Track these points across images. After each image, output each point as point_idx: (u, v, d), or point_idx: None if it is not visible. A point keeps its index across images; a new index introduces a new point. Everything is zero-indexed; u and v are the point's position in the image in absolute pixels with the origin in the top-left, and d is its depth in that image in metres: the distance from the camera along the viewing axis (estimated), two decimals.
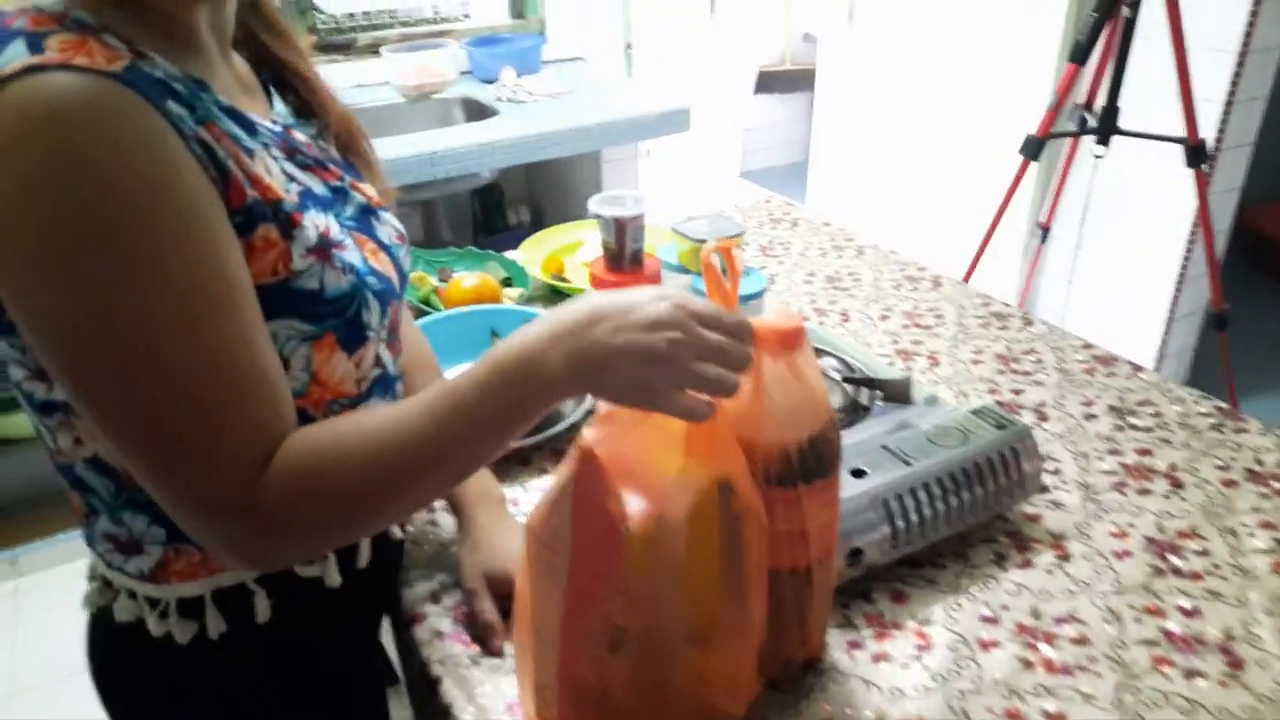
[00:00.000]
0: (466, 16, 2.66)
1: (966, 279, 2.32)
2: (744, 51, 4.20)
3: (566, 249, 1.50)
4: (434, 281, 1.41)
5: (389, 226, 0.79)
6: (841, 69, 3.21)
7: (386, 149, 1.93)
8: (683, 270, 1.27)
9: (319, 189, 0.70)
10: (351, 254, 0.68)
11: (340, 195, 0.74)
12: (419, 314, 1.32)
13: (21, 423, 1.94)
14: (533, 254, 1.47)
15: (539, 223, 2.62)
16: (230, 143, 0.61)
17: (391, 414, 0.60)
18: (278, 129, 0.71)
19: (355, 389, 0.70)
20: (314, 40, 2.36)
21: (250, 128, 0.66)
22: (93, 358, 0.53)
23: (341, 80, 2.37)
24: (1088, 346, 1.20)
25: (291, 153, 0.70)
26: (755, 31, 4.24)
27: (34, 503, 1.97)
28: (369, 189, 0.80)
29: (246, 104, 0.69)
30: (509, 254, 1.48)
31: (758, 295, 1.22)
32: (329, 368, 0.67)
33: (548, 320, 0.59)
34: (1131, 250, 2.45)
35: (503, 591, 0.77)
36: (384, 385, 0.74)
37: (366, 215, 0.76)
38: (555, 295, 1.38)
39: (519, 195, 2.64)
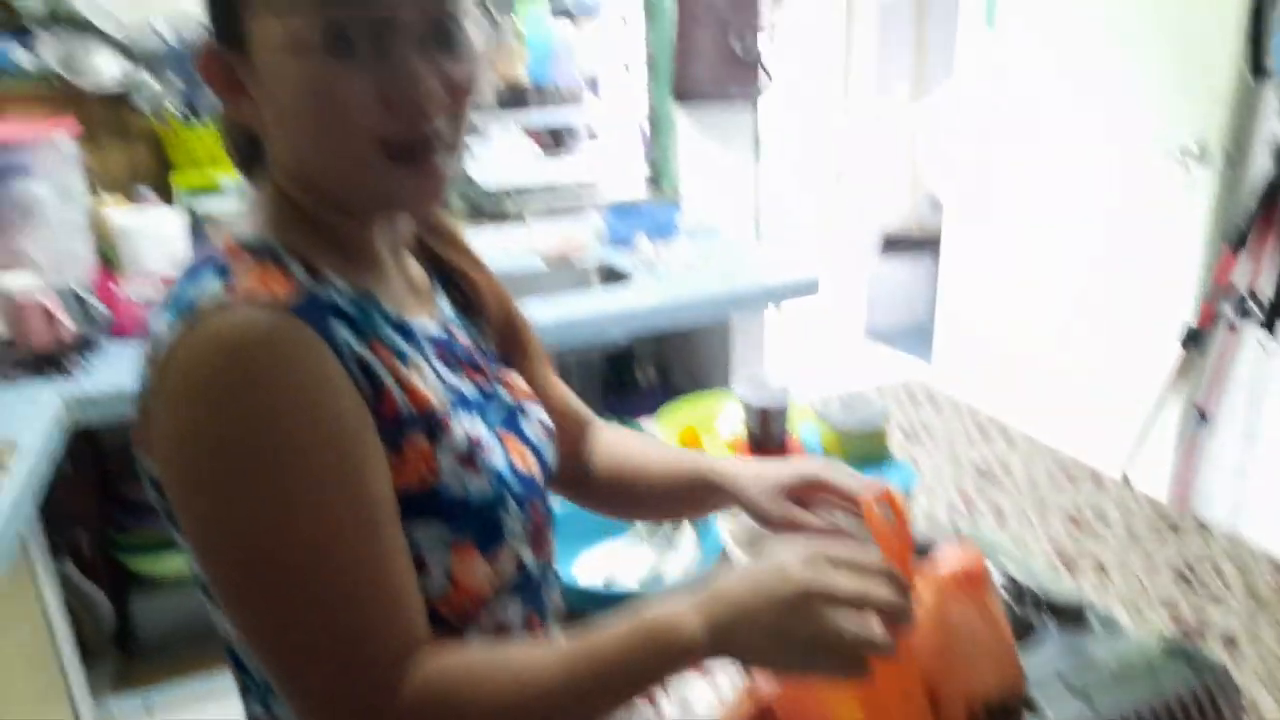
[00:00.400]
0: (606, 187, 2.80)
1: (1124, 474, 2.20)
2: (869, 214, 4.26)
3: (703, 422, 1.50)
4: None
5: (536, 423, 0.80)
6: (970, 237, 3.20)
7: (531, 311, 2.00)
8: (825, 457, 1.24)
9: (470, 391, 0.73)
10: (496, 457, 0.70)
11: (489, 396, 0.76)
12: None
13: (167, 564, 2.01)
14: (668, 426, 1.47)
15: (667, 383, 2.65)
16: (390, 355, 0.65)
17: (529, 658, 0.60)
18: (437, 332, 0.74)
19: (492, 592, 0.70)
20: (465, 209, 2.51)
21: (411, 336, 0.69)
22: (239, 571, 0.57)
23: (488, 245, 2.51)
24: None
25: (447, 356, 0.73)
26: (881, 195, 4.31)
27: (172, 645, 2.02)
28: (519, 382, 0.82)
29: (413, 307, 0.73)
30: (641, 420, 1.49)
31: (907, 490, 1.17)
32: (467, 571, 0.67)
33: (697, 587, 0.60)
34: None
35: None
36: (524, 589, 0.73)
37: (514, 414, 0.78)
38: None
39: (649, 355, 2.68)
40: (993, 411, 1.54)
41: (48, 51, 2.06)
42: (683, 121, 2.68)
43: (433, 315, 0.76)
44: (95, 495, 2.02)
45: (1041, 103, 2.77)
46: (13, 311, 1.71)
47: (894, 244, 4.38)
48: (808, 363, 4.17)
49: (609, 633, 0.60)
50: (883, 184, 4.27)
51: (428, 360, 0.69)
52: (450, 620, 0.67)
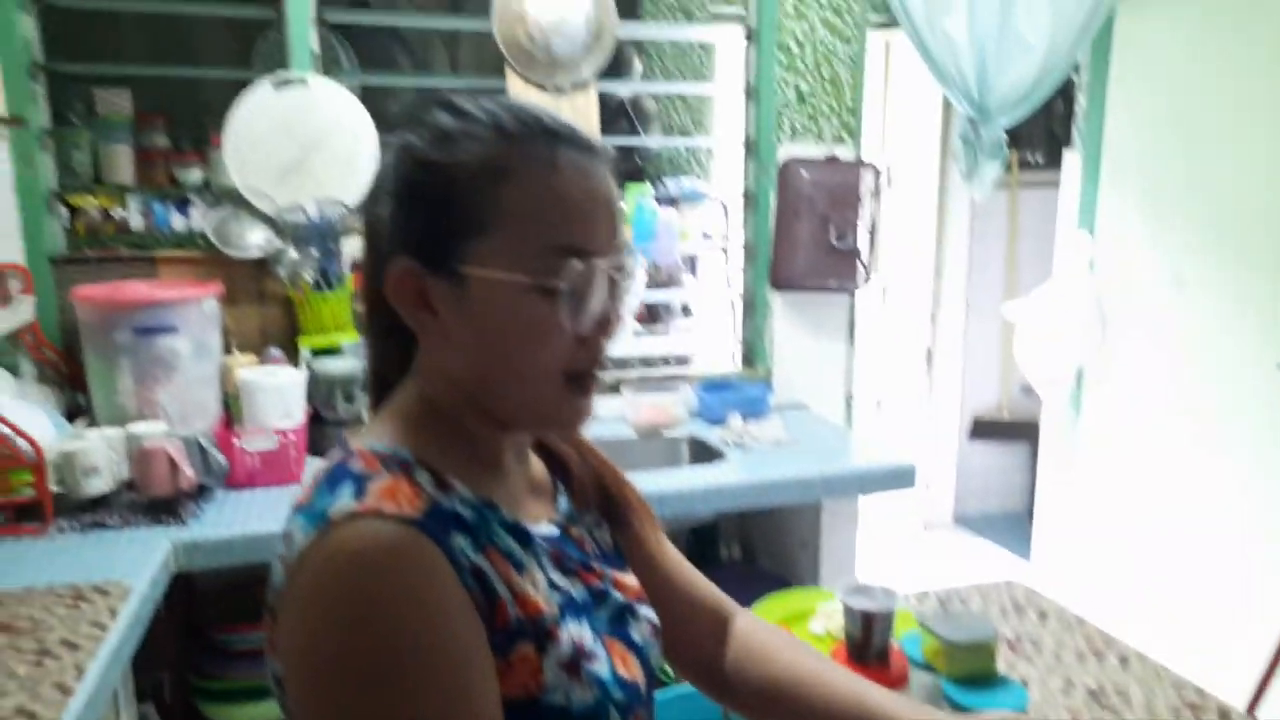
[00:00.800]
0: (689, 361, 2.88)
1: (1251, 708, 2.05)
2: (959, 397, 4.23)
3: (796, 617, 1.46)
4: None
5: (644, 623, 0.81)
6: (1069, 431, 3.14)
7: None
8: (928, 669, 1.20)
9: (580, 594, 0.75)
10: (600, 666, 0.71)
11: (599, 598, 0.77)
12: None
13: (243, 713, 2.01)
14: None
15: (750, 560, 2.61)
16: (504, 562, 0.68)
17: None
18: (552, 534, 0.77)
19: None
20: None
21: (527, 540, 0.72)
22: None
23: None
24: None
25: (561, 558, 0.75)
26: (971, 377, 4.28)
27: None
28: (631, 581, 0.83)
29: (532, 508, 0.77)
30: None
31: (1018, 708, 1.12)
32: None
33: None
34: None
35: None
36: None
37: (623, 615, 0.79)
38: None
39: (733, 531, 2.66)
40: (1101, 624, 1.47)
41: (203, 220, 2.27)
42: (778, 304, 2.75)
43: (552, 515, 0.80)
44: (182, 639, 2.05)
45: (1144, 305, 2.77)
46: (140, 458, 1.81)
47: (984, 429, 4.31)
48: (894, 550, 4.05)
49: None
50: (973, 367, 4.25)
51: (540, 565, 0.72)
52: None
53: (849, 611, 1.16)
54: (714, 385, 2.63)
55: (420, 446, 0.71)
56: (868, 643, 1.15)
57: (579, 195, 0.69)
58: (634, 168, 3.64)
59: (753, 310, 2.79)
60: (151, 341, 1.98)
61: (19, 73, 2.10)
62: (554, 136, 0.69)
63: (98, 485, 1.80)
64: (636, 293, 0.75)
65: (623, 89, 3.12)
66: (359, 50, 2.89)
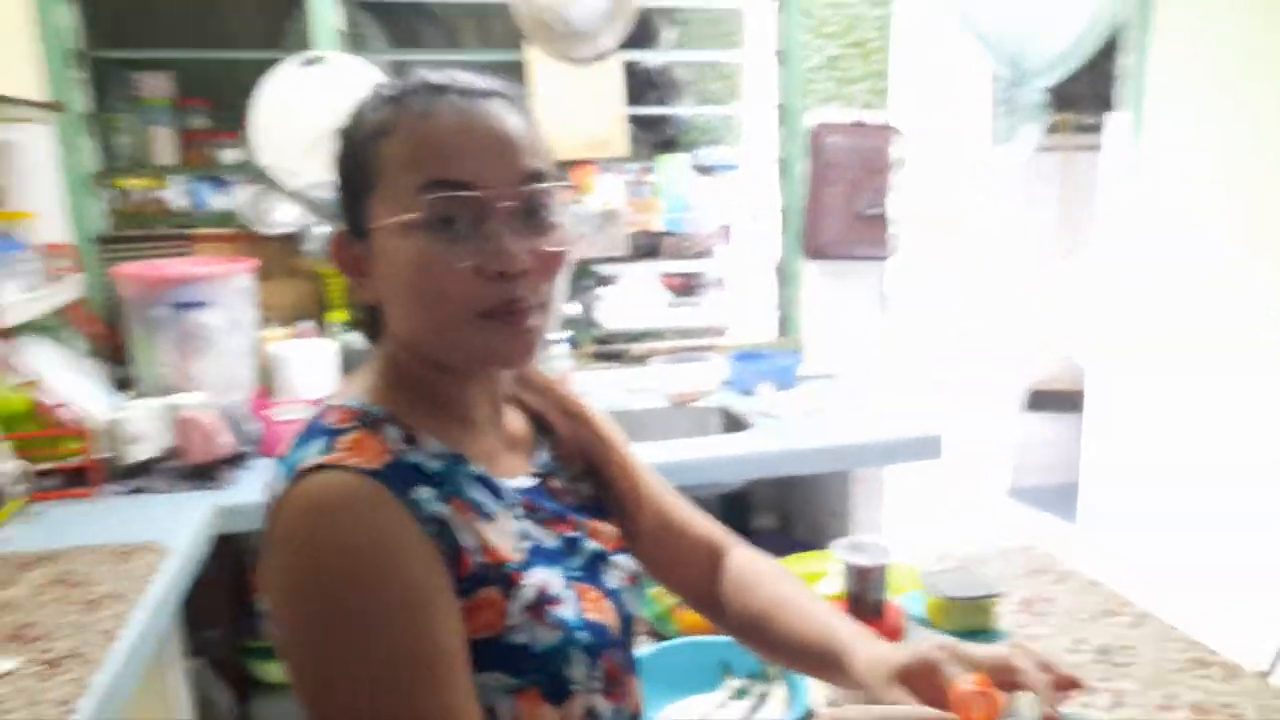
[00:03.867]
0: (723, 332, 2.87)
1: (1271, 671, 2.00)
2: (1012, 368, 4.15)
3: (810, 578, 1.47)
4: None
5: (620, 570, 0.83)
6: (1116, 397, 3.07)
7: (646, 454, 2.04)
8: (927, 624, 1.21)
9: (551, 543, 0.77)
10: (566, 609, 0.73)
11: (572, 546, 0.79)
12: (655, 636, 1.33)
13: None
14: None
15: (785, 530, 2.61)
16: (470, 512, 0.71)
17: None
18: (527, 486, 0.79)
19: None
20: (592, 350, 2.62)
21: (497, 492, 0.75)
22: (315, 709, 0.63)
23: (611, 385, 2.59)
24: None
25: (534, 508, 0.78)
26: (1026, 349, 4.20)
27: None
28: (607, 530, 0.85)
29: (506, 461, 0.80)
30: None
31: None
32: (535, 718, 0.70)
33: None
34: None
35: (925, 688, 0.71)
36: None
37: (597, 563, 0.81)
38: None
39: (766, 501, 2.66)
40: (1129, 588, 1.45)
41: (238, 198, 2.34)
42: (810, 273, 2.74)
43: (529, 467, 0.82)
44: (230, 599, 2.14)
45: (1192, 262, 2.69)
46: (180, 427, 1.89)
47: (1041, 399, 4.23)
48: (939, 519, 4.00)
49: None
50: (1027, 338, 4.17)
51: (511, 514, 0.75)
52: None
53: (845, 565, 1.17)
54: (745, 355, 2.63)
55: (390, 402, 0.74)
56: (863, 598, 1.16)
57: (452, 133, 0.70)
58: (668, 138, 3.63)
59: (785, 279, 2.78)
60: (188, 316, 2.06)
61: (60, 60, 2.18)
62: (436, 90, 0.71)
63: (142, 452, 1.88)
64: (558, 224, 0.73)
65: (646, 57, 3.09)
66: (389, 27, 2.93)
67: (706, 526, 0.98)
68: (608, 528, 0.85)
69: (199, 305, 2.09)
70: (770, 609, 0.89)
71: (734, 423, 2.39)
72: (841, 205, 2.67)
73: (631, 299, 2.87)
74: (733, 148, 3.37)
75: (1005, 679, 0.70)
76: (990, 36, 2.55)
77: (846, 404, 2.44)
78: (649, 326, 2.81)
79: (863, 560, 1.15)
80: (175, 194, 3.02)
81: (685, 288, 3.60)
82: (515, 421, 0.86)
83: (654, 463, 1.94)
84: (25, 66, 1.81)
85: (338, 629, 0.63)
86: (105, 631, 1.26)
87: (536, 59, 2.41)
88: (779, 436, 2.16)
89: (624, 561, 0.84)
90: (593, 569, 0.81)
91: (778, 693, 1.11)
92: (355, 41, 2.44)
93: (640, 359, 2.61)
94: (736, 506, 2.59)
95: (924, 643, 0.75)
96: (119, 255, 2.23)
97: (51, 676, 1.14)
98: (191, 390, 2.03)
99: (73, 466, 1.81)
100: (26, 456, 1.75)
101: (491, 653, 0.69)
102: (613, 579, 0.81)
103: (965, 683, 0.65)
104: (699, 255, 3.41)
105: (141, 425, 1.88)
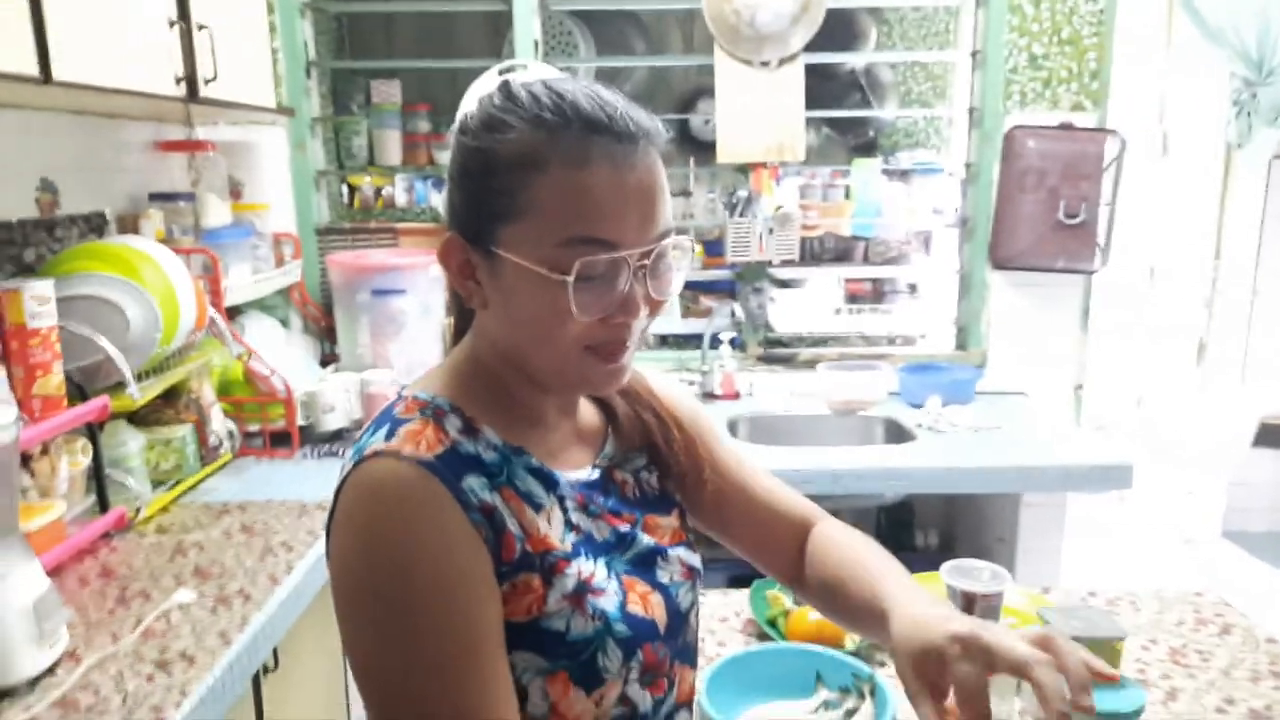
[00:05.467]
0: (914, 341, 2.76)
1: None
2: (1238, 397, 3.71)
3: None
4: (787, 604, 1.41)
5: (677, 565, 0.84)
6: None
7: (799, 459, 2.03)
8: None
9: (602, 535, 0.79)
10: (608, 600, 0.75)
11: (624, 541, 0.81)
12: (761, 636, 1.33)
13: None
14: None
15: (946, 550, 2.50)
16: (520, 501, 0.74)
17: None
18: (587, 479, 0.82)
19: None
20: (759, 353, 2.62)
21: (552, 484, 0.78)
22: (365, 681, 0.69)
23: (775, 388, 2.58)
24: None
25: (589, 502, 0.80)
26: (1259, 378, 3.74)
27: None
28: (665, 524, 0.86)
29: (571, 456, 0.82)
30: None
31: (1131, 716, 1.03)
32: (566, 702, 0.73)
33: None
34: None
35: (936, 675, 0.69)
36: None
37: (651, 557, 0.82)
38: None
39: (931, 519, 2.56)
40: None
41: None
42: (1000, 285, 2.59)
43: (594, 460, 0.85)
44: None
45: None
46: (368, 401, 2.09)
47: (1272, 434, 3.76)
48: (1127, 556, 3.65)
49: None
50: (1261, 363, 3.71)
51: (562, 507, 0.78)
52: None
53: (950, 590, 1.12)
54: (917, 367, 2.54)
55: (460, 396, 0.78)
56: None
57: (606, 188, 0.70)
58: (867, 141, 3.55)
59: (968, 290, 2.65)
60: (385, 302, 2.27)
61: (296, 69, 2.47)
62: (590, 127, 0.70)
63: (335, 421, 2.10)
64: (681, 273, 0.77)
65: (836, 58, 3.02)
66: (596, 34, 3.06)
67: (794, 502, 0.97)
68: (667, 521, 0.87)
69: (396, 292, 2.29)
70: (841, 573, 0.87)
71: (897, 434, 2.31)
72: (1038, 213, 2.51)
73: (808, 303, 2.84)
74: (938, 152, 3.24)
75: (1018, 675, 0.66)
76: (1226, 30, 2.30)
77: (1027, 424, 2.30)
78: (820, 331, 2.77)
79: (968, 585, 1.10)
80: (399, 191, 3.33)
81: (875, 294, 3.51)
82: (588, 413, 0.88)
83: (809, 469, 1.96)
84: (264, 75, 2.07)
85: (381, 610, 0.68)
86: (271, 576, 1.43)
87: (722, 61, 2.44)
88: (941, 451, 2.07)
89: (682, 555, 0.86)
90: (646, 564, 0.82)
91: (865, 710, 1.09)
92: (564, 49, 2.56)
93: (809, 364, 2.58)
94: (897, 521, 2.51)
95: (950, 625, 0.70)
96: (336, 245, 2.49)
97: (220, 611, 1.32)
98: (384, 368, 2.24)
99: (277, 430, 2.05)
100: (238, 418, 2.01)
101: (526, 634, 0.72)
102: (665, 574, 0.83)
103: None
104: (891, 261, 3.31)
105: (337, 397, 2.10)
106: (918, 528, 2.53)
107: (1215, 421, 3.73)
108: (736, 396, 2.55)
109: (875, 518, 2.53)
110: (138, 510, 1.63)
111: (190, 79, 1.69)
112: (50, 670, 1.15)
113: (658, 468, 0.90)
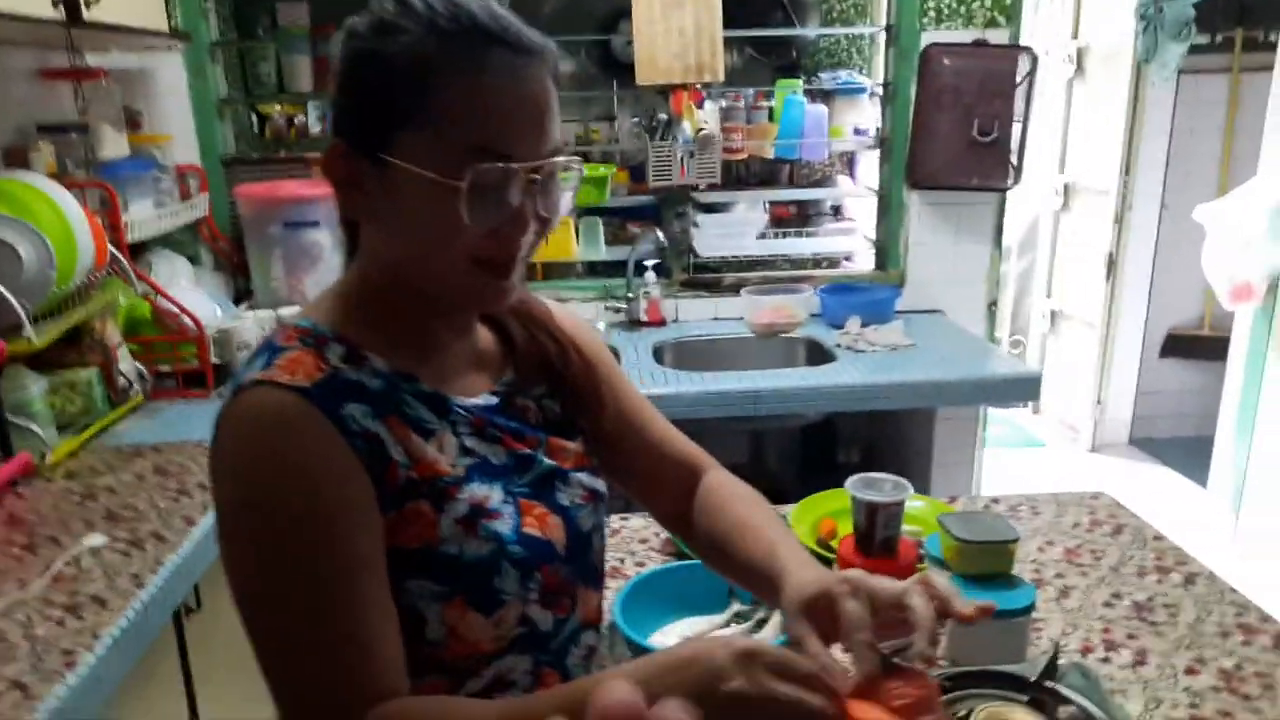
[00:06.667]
0: (839, 263, 2.80)
1: None
2: (1144, 311, 3.86)
3: (842, 514, 1.46)
4: None
5: (578, 487, 0.85)
6: (1258, 347, 2.82)
7: (723, 383, 2.06)
8: (944, 565, 1.19)
9: (499, 459, 0.79)
10: (503, 523, 0.76)
11: (523, 463, 0.81)
12: (680, 555, 1.36)
13: None
14: (808, 515, 1.46)
15: (870, 466, 2.57)
16: (406, 428, 0.74)
17: (472, 708, 0.68)
18: (484, 404, 0.81)
19: (494, 647, 0.75)
20: (682, 279, 2.63)
21: (444, 409, 0.77)
22: (243, 607, 0.69)
23: (700, 313, 2.60)
24: None
25: (485, 426, 0.80)
26: (1167, 291, 3.89)
27: None
28: (568, 448, 0.86)
29: (469, 379, 0.82)
30: (784, 509, 1.47)
31: (1021, 612, 1.09)
32: (464, 624, 0.74)
33: (637, 663, 0.63)
34: None
35: (825, 620, 0.71)
36: (531, 644, 0.78)
37: (550, 480, 0.83)
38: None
39: (852, 436, 2.63)
40: (1186, 551, 1.37)
41: None
42: (918, 204, 2.62)
43: (493, 385, 0.84)
44: None
45: None
46: None
47: (1178, 345, 3.93)
48: (1038, 466, 3.82)
49: (550, 693, 0.66)
50: (1168, 277, 3.85)
51: (455, 432, 0.77)
52: (452, 670, 0.75)
53: (854, 501, 1.16)
54: (837, 288, 2.57)
55: (345, 323, 0.76)
56: (871, 534, 1.15)
57: (503, 99, 0.69)
58: (790, 62, 3.52)
59: (887, 210, 2.68)
60: (299, 234, 2.21)
61: None
62: (487, 35, 0.69)
63: None
64: (570, 194, 0.77)
65: None
66: None
67: (686, 448, 0.98)
68: (571, 445, 0.87)
69: (310, 224, 2.23)
70: (731, 531, 0.89)
71: (819, 354, 2.36)
72: (953, 132, 2.53)
73: (733, 228, 2.84)
74: (857, 72, 3.24)
75: (897, 615, 0.69)
76: None
77: (943, 341, 2.36)
78: (743, 254, 2.78)
79: (871, 496, 1.14)
80: (312, 120, 3.20)
81: (800, 218, 3.52)
82: (487, 341, 0.87)
83: (726, 390, 1.99)
84: None
85: (257, 536, 0.68)
86: (186, 517, 1.41)
87: None
88: (859, 370, 2.12)
89: (584, 479, 0.86)
90: (546, 486, 0.83)
91: (775, 619, 1.13)
92: None
93: (733, 289, 2.60)
94: (819, 440, 2.58)
95: (836, 573, 0.74)
96: (245, 177, 2.40)
97: (133, 553, 1.30)
98: (300, 304, 2.18)
99: (190, 370, 2.00)
100: (148, 360, 1.95)
101: (421, 561, 0.72)
102: (566, 496, 0.84)
103: (860, 710, 0.62)
104: (816, 184, 3.32)
105: (249, 335, 2.05)
106: (840, 445, 2.60)
107: (1124, 333, 3.88)
108: (662, 323, 2.56)
109: (799, 437, 2.59)
110: (43, 455, 1.59)
111: (70, 1, 1.59)
112: None
113: (560, 396, 0.90)
